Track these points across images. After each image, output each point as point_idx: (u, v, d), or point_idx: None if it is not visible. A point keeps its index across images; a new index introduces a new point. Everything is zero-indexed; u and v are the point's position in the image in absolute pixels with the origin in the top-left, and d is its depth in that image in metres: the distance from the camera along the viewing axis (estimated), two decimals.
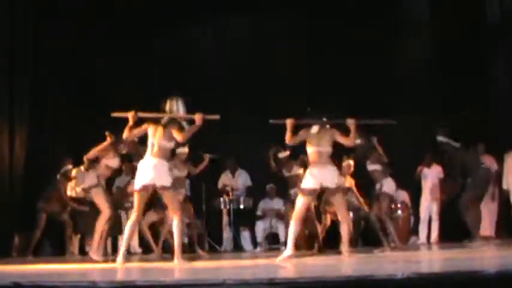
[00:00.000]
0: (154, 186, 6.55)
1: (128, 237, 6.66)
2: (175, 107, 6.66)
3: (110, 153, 7.91)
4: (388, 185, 8.21)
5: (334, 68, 10.75)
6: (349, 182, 9.31)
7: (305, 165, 8.53)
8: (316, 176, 6.80)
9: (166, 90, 9.65)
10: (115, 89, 10.60)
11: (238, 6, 11.07)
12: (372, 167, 8.23)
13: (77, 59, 10.64)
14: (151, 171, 6.48)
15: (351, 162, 9.20)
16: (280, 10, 11.33)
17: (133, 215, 6.64)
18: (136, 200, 6.63)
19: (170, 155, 6.91)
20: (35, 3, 10.19)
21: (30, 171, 9.85)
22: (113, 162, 7.91)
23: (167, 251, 9.64)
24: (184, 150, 8.61)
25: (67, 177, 8.85)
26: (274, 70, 10.96)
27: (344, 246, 6.97)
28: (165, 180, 6.52)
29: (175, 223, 6.57)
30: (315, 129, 6.92)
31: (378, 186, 8.23)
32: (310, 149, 6.91)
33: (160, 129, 6.59)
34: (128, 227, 6.63)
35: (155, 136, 6.58)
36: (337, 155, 9.32)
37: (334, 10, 10.91)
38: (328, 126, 6.98)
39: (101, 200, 7.89)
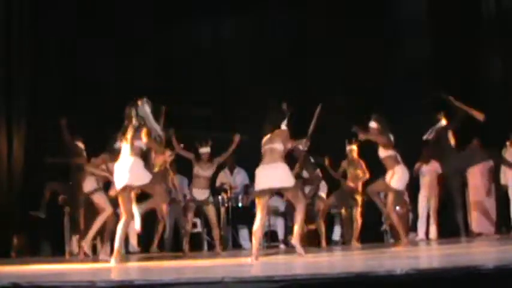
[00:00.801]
0: (133, 186, 6.54)
1: (120, 238, 6.59)
2: (143, 111, 6.58)
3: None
4: (398, 177, 7.61)
5: (334, 68, 10.74)
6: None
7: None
8: (265, 176, 6.39)
9: (166, 90, 9.70)
10: (115, 89, 10.59)
11: (238, 6, 11.08)
12: (384, 153, 7.67)
13: (77, 59, 10.65)
14: (127, 172, 6.48)
15: (354, 147, 9.21)
16: (280, 10, 11.33)
17: (123, 217, 6.62)
18: (120, 202, 6.64)
19: (143, 153, 6.74)
20: (34, 2, 10.19)
21: (28, 172, 9.83)
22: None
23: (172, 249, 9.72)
24: (207, 149, 8.72)
25: (81, 156, 8.58)
26: (274, 70, 10.95)
27: (296, 240, 6.51)
28: (142, 179, 6.53)
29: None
30: (266, 136, 6.51)
31: (388, 175, 7.66)
32: (263, 148, 6.53)
33: (132, 130, 6.53)
34: (119, 228, 6.60)
35: (127, 137, 6.55)
36: (341, 141, 9.37)
37: (334, 10, 10.91)
38: (284, 127, 6.49)
39: (102, 201, 8.08)
